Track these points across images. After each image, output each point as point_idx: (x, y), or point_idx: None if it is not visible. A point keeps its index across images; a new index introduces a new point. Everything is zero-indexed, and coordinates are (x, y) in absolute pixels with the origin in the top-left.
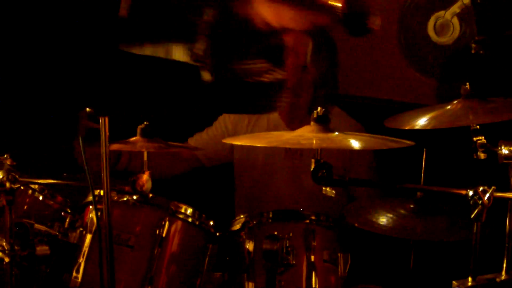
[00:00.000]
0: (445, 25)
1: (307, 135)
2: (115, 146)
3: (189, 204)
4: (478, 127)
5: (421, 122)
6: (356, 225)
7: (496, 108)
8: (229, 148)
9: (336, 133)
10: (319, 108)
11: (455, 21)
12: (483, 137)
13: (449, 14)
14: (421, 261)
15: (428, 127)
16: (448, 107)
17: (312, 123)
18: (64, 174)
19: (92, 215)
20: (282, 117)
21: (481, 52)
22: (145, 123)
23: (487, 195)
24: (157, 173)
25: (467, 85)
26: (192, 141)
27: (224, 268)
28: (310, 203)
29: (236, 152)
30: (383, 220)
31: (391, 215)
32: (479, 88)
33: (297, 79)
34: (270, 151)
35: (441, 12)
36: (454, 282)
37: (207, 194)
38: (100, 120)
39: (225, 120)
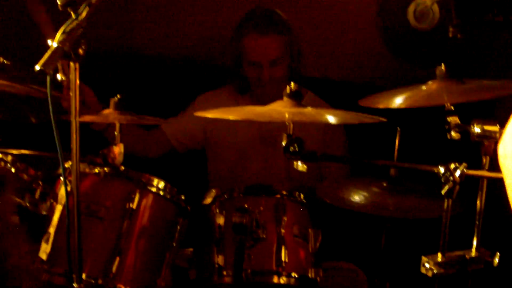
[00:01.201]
0: (425, 12)
1: (279, 109)
2: (87, 118)
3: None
4: (452, 108)
5: (396, 101)
6: (327, 201)
7: (470, 89)
8: (201, 133)
9: (309, 108)
10: (292, 83)
11: (435, 8)
12: (456, 117)
13: (429, 1)
14: (393, 239)
15: (403, 106)
16: (423, 87)
17: (284, 98)
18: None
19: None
20: (255, 104)
21: (458, 35)
22: (117, 96)
23: (458, 172)
24: (128, 150)
25: (443, 66)
26: (167, 125)
27: (194, 242)
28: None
29: (209, 137)
30: (356, 197)
31: (364, 193)
32: (455, 69)
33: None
34: (245, 138)
35: None
36: (423, 257)
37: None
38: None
39: (198, 105)
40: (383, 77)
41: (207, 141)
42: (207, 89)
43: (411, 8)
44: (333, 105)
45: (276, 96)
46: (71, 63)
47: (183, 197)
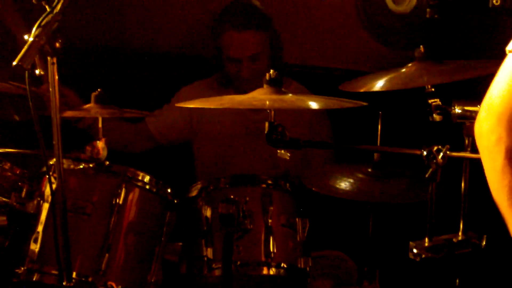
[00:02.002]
0: None
1: (260, 97)
2: (69, 113)
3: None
4: (433, 89)
5: (377, 85)
6: (314, 189)
7: (449, 69)
8: (186, 126)
9: (290, 94)
10: (271, 70)
11: None
12: (438, 100)
13: None
14: (380, 224)
15: (383, 89)
16: (403, 69)
17: (265, 85)
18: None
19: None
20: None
21: (435, 16)
22: (98, 90)
23: (441, 154)
24: (112, 145)
25: (421, 48)
26: (151, 118)
27: (183, 236)
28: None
29: (195, 128)
30: (341, 184)
31: (349, 179)
32: (434, 51)
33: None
34: (231, 129)
35: None
36: (411, 243)
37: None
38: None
39: (182, 97)
40: (365, 63)
41: (193, 133)
42: (192, 81)
43: None
44: (316, 93)
45: (255, 86)
46: (48, 57)
47: (169, 190)
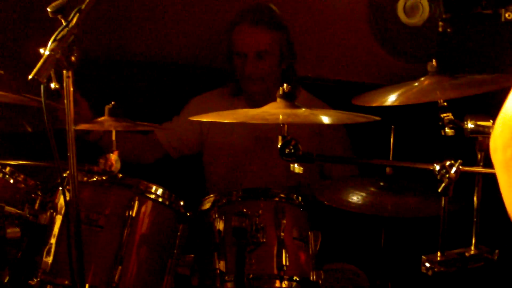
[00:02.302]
0: (415, 7)
1: (273, 111)
2: (83, 126)
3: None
4: (445, 104)
5: (390, 99)
6: (326, 203)
7: (462, 83)
8: (196, 138)
9: (303, 109)
10: (285, 84)
11: (425, 2)
12: (450, 114)
13: None
14: (392, 238)
15: (396, 104)
16: (416, 83)
17: (278, 99)
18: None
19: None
20: (250, 107)
21: (448, 30)
22: (112, 102)
23: (454, 169)
24: (124, 157)
25: (434, 62)
26: (159, 131)
27: (195, 249)
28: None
29: (206, 139)
30: (353, 198)
31: (361, 193)
32: (446, 65)
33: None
34: (240, 139)
35: None
36: (423, 257)
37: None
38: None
39: (192, 109)
40: (377, 76)
41: (203, 144)
42: (201, 93)
43: (400, 4)
44: (328, 104)
45: (269, 96)
46: (64, 71)
47: (182, 203)
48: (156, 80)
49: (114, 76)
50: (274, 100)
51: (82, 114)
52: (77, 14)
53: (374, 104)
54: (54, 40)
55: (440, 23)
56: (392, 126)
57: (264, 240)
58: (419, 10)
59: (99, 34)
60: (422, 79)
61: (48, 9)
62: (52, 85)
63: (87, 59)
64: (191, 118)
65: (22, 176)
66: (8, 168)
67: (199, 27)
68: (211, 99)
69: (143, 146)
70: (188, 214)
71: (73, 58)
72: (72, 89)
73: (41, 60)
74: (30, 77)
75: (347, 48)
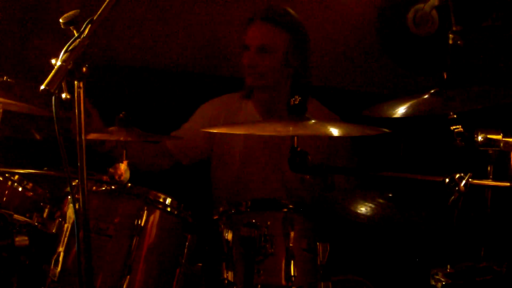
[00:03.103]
0: (424, 18)
1: (283, 123)
2: (93, 136)
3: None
4: (455, 116)
5: (399, 111)
6: (335, 214)
7: (472, 96)
8: (205, 144)
9: (313, 120)
10: (295, 96)
11: (434, 13)
12: (460, 126)
13: (428, 7)
14: (401, 250)
15: (405, 116)
16: (425, 96)
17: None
18: (45, 168)
19: (70, 205)
20: (259, 111)
21: (458, 42)
22: (122, 113)
23: (464, 181)
24: (136, 166)
25: (444, 75)
26: (169, 139)
27: (203, 258)
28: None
29: (214, 147)
30: (362, 209)
31: (370, 205)
32: (456, 77)
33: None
34: (248, 145)
35: (421, 5)
36: (432, 269)
37: (186, 190)
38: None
39: (201, 115)
40: (385, 86)
41: (213, 149)
42: (206, 100)
43: (410, 15)
44: (337, 113)
45: (277, 99)
46: (75, 82)
47: (190, 213)
48: (164, 88)
49: (122, 83)
50: (284, 107)
51: (93, 124)
52: (89, 25)
53: (384, 116)
54: (66, 51)
55: (451, 35)
56: (402, 138)
57: (273, 250)
58: (428, 21)
59: (108, 41)
60: (432, 91)
61: (61, 21)
62: (63, 96)
63: (95, 66)
64: (204, 130)
65: (30, 184)
66: (16, 176)
67: (208, 36)
68: (220, 104)
69: (154, 155)
70: (196, 224)
71: (84, 69)
72: (82, 99)
73: (53, 71)
74: (41, 87)
75: (354, 57)
